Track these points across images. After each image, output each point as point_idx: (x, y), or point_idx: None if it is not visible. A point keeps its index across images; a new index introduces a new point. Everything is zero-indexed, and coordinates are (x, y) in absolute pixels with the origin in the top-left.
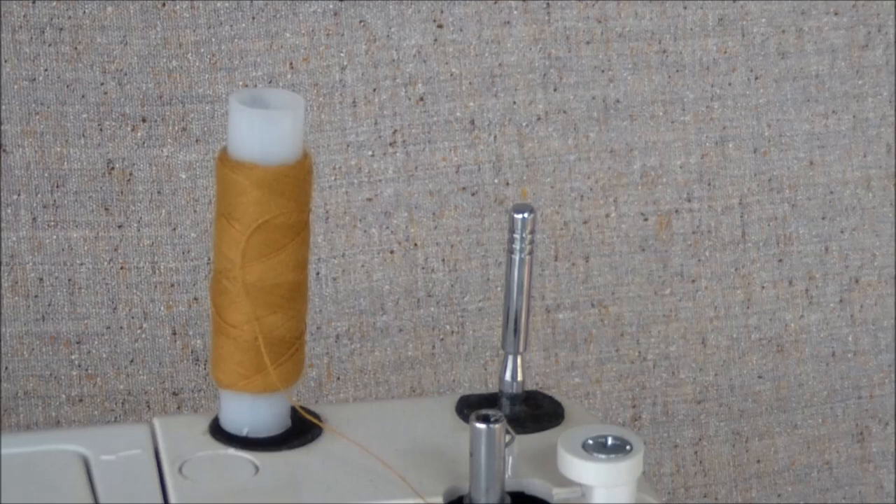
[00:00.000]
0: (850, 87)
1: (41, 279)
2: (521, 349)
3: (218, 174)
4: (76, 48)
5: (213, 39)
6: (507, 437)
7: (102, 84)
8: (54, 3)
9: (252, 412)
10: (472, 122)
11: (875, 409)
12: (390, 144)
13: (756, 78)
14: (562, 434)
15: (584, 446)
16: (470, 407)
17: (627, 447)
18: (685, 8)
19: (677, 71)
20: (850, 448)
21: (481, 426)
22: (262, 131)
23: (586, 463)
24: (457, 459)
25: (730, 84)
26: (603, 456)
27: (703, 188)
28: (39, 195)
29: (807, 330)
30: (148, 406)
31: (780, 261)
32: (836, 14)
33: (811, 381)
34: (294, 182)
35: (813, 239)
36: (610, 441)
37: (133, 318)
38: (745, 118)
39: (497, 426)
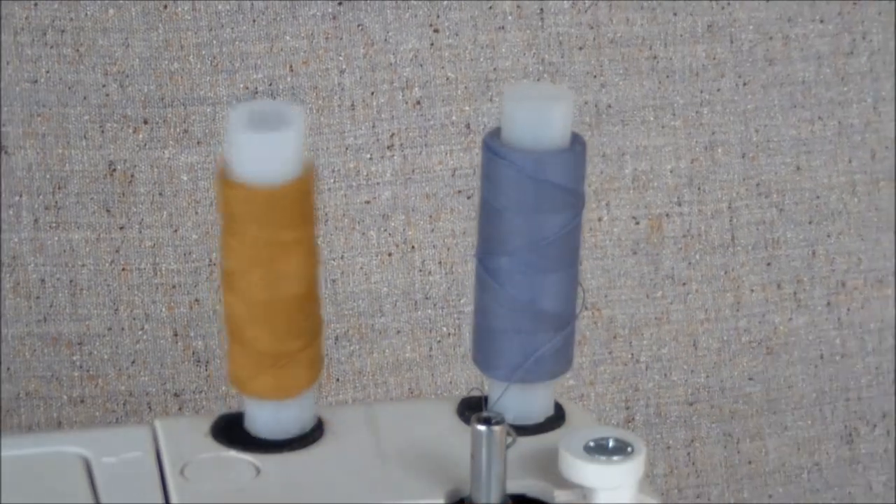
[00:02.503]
0: (836, 94)
1: (43, 280)
2: None
3: (219, 193)
4: (78, 50)
5: (215, 42)
6: (509, 439)
7: (104, 86)
8: (56, 5)
9: (276, 417)
10: (468, 125)
11: (863, 410)
12: (388, 147)
13: (744, 84)
14: (563, 436)
15: (586, 448)
16: (471, 409)
17: (629, 449)
18: (675, 15)
19: (667, 76)
20: (840, 449)
21: (482, 428)
22: (263, 153)
23: (588, 465)
24: (458, 461)
25: (718, 90)
26: (604, 458)
27: (693, 192)
28: (41, 197)
29: (795, 333)
30: (149, 407)
31: (769, 264)
32: (821, 21)
33: (800, 384)
34: (297, 197)
35: (800, 243)
36: (611, 443)
37: (134, 319)
38: (733, 123)
39: (498, 428)
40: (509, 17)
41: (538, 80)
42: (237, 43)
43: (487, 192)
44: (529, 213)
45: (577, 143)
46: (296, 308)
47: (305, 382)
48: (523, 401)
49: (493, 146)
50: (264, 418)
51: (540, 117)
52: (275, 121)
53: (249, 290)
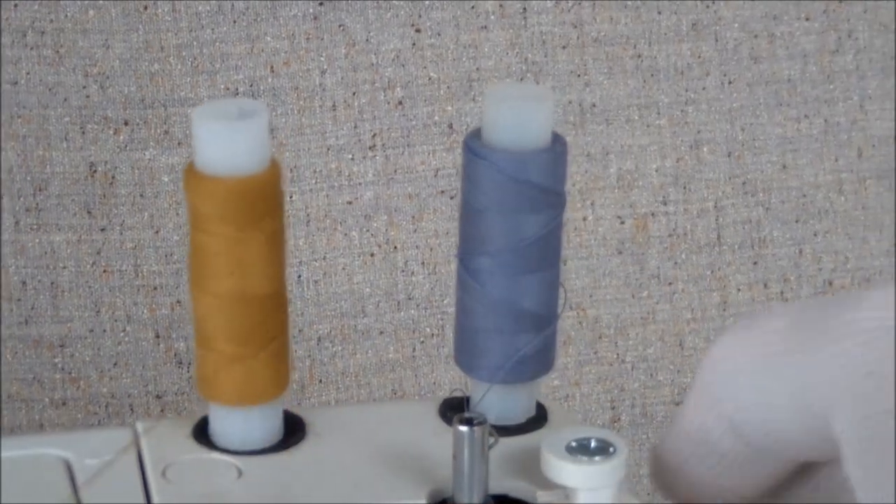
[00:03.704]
0: (821, 92)
1: (24, 283)
2: None
3: (186, 190)
4: (58, 51)
5: (195, 43)
6: (491, 440)
7: (84, 87)
8: (36, 6)
9: (243, 425)
10: (451, 125)
11: None
12: (370, 148)
13: (729, 82)
14: (545, 436)
15: (568, 448)
16: (453, 409)
17: (611, 449)
18: (659, 13)
19: (652, 75)
20: None
21: (464, 428)
22: (228, 143)
23: (570, 465)
24: (440, 462)
25: (703, 88)
26: (586, 458)
27: (679, 191)
28: (22, 198)
29: None
30: (131, 409)
31: (755, 263)
32: (807, 19)
33: None
34: (265, 191)
35: (787, 242)
36: (593, 443)
37: (116, 321)
38: (718, 122)
39: (480, 428)
40: (492, 17)
41: (521, 79)
42: (218, 44)
43: (468, 192)
44: (510, 214)
45: (558, 143)
46: (262, 306)
47: (270, 390)
48: (505, 401)
49: (474, 147)
50: (227, 427)
51: (521, 118)
52: (239, 114)
53: (214, 285)
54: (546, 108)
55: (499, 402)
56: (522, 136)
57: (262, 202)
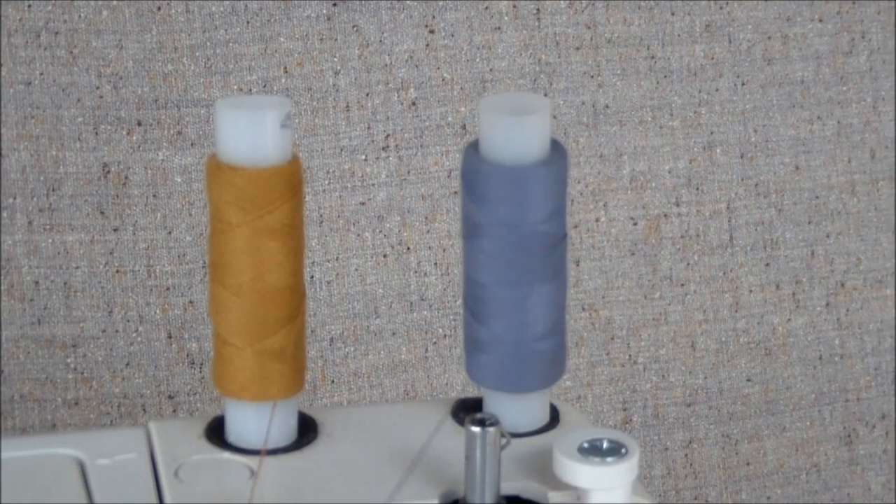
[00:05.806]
0: (835, 94)
1: (37, 283)
2: None
3: (208, 182)
4: (72, 52)
5: (209, 43)
6: (503, 441)
7: (98, 88)
8: (50, 7)
9: (258, 423)
10: (464, 126)
11: (862, 411)
12: (383, 149)
13: (742, 84)
14: (557, 437)
15: (580, 449)
16: (466, 410)
17: (623, 450)
18: (673, 14)
19: (665, 77)
20: (838, 450)
21: (476, 429)
22: (251, 133)
23: (582, 466)
24: (452, 463)
25: (717, 90)
26: (598, 459)
27: (692, 193)
28: (35, 199)
29: (794, 333)
30: (144, 409)
31: (768, 265)
32: (820, 21)
33: (799, 385)
34: (286, 183)
35: (799, 243)
36: (605, 444)
37: (129, 321)
38: (731, 123)
39: (492, 429)
40: (505, 18)
41: (535, 80)
42: (231, 44)
43: (468, 205)
44: (511, 227)
45: (556, 153)
46: (280, 298)
47: (287, 386)
48: (517, 409)
49: (472, 160)
50: (244, 424)
51: (517, 131)
52: (262, 106)
53: (233, 278)
54: (542, 119)
55: (511, 410)
56: (520, 148)
57: (282, 194)
